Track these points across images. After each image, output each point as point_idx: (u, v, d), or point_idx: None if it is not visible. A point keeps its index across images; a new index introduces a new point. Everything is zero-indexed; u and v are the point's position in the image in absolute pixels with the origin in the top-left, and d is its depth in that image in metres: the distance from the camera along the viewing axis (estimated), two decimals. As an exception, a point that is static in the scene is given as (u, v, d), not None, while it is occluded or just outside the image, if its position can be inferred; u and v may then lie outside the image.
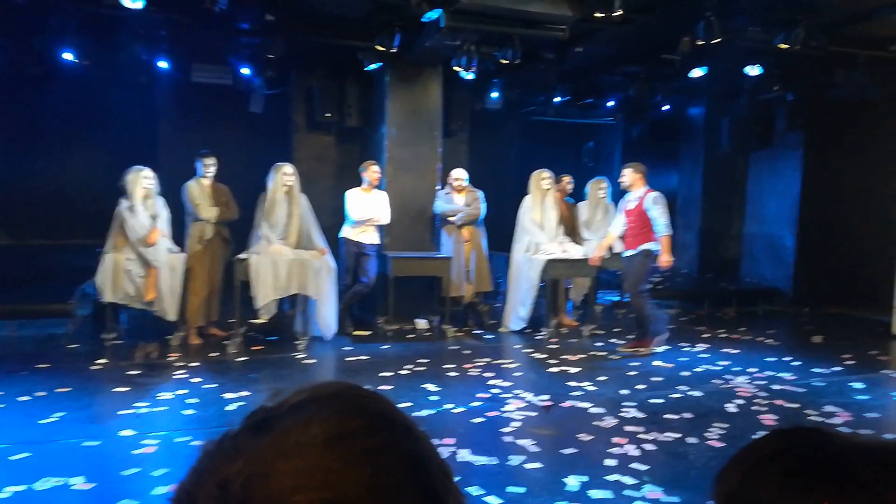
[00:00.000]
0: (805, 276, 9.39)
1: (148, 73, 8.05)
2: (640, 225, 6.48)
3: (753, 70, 8.08)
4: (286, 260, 6.26)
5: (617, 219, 6.84)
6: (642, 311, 6.52)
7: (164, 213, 6.35)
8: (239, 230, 6.78)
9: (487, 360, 6.15)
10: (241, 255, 6.32)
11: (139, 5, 5.83)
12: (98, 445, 3.91)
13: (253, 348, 6.40)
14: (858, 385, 5.52)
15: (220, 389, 5.06)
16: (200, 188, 6.58)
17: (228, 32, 7.50)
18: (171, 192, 6.55)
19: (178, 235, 6.60)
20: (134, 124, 9.04)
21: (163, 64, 7.91)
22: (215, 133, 8.94)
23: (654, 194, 6.49)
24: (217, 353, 6.19)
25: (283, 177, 6.48)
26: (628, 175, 6.60)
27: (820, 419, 4.67)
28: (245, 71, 8.05)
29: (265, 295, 6.18)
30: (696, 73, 8.28)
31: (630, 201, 6.59)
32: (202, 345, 6.48)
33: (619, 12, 5.76)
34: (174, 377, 5.41)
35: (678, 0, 6.39)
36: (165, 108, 9.26)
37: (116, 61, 7.50)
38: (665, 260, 6.41)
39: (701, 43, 6.58)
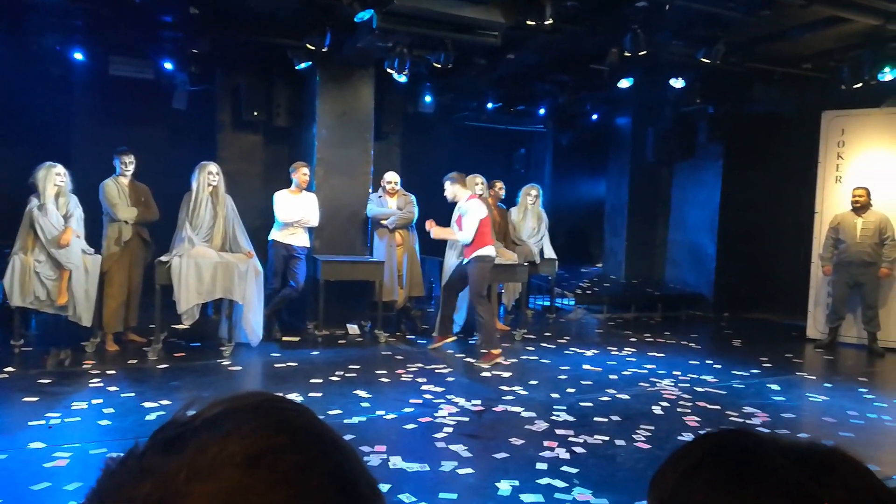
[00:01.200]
0: (725, 282, 9.79)
1: (62, 64, 7.63)
2: None
3: (677, 83, 8.38)
4: (210, 263, 6.03)
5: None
6: (482, 318, 6.37)
7: (77, 213, 6.01)
8: (160, 232, 6.49)
9: (420, 365, 6.11)
10: (163, 258, 6.05)
11: (53, -8, 5.51)
12: (5, 459, 3.66)
13: (175, 355, 6.13)
14: (775, 387, 5.78)
15: (139, 398, 4.81)
16: (118, 187, 6.27)
17: (150, 25, 7.20)
18: (87, 190, 6.21)
19: (95, 236, 6.26)
20: (46, 119, 8.52)
21: (78, 55, 7.50)
22: (135, 129, 8.55)
23: (470, 202, 6.46)
24: (136, 361, 5.89)
25: (208, 176, 6.25)
26: (447, 188, 6.57)
27: (740, 420, 4.84)
28: (168, 66, 7.74)
29: (188, 299, 5.94)
30: (624, 83, 8.51)
31: (457, 210, 6.59)
32: (120, 352, 6.16)
33: (550, 21, 5.85)
34: (89, 386, 5.11)
35: (606, 12, 6.54)
36: (81, 103, 8.80)
37: (28, 51, 7.07)
38: (432, 227, 6.53)
39: (628, 55, 6.77)
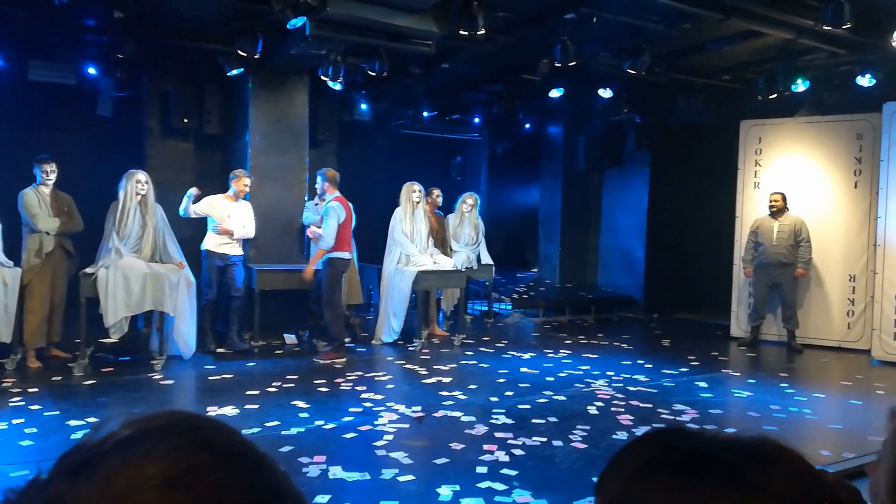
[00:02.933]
0: (654, 285, 10.13)
1: (-25, 68, 7.24)
2: None
3: (605, 93, 8.64)
4: (139, 274, 5.84)
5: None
6: (331, 320, 6.54)
7: (-6, 224, 5.72)
8: (85, 242, 6.24)
9: (359, 373, 6.07)
10: (88, 270, 5.82)
11: (-34, -7, 5.24)
12: (-87, 487, 3.42)
13: (103, 370, 5.89)
14: (703, 384, 6.01)
15: (65, 416, 4.61)
16: (39, 196, 6.00)
17: (72, 29, 6.93)
18: (3, 200, 5.91)
19: (14, 248, 5.96)
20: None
21: (-6, 59, 7.15)
22: (56, 137, 8.20)
23: (330, 205, 6.53)
24: (60, 377, 5.63)
25: (136, 185, 6.06)
26: (318, 183, 6.81)
27: (671, 417, 5.02)
28: (91, 71, 7.46)
29: (116, 312, 5.73)
30: (555, 93, 8.72)
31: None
32: (43, 368, 5.88)
33: (483, 31, 5.95)
34: (9, 405, 4.85)
35: (537, 24, 6.70)
36: (-3, 109, 8.37)
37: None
38: (306, 272, 6.62)
39: (558, 65, 6.95)
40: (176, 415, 0.48)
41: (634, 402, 5.32)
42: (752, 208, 8.23)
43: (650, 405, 5.28)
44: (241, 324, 6.89)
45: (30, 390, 5.23)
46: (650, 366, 6.69)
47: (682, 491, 0.54)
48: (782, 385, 6.07)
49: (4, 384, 5.37)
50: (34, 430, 4.33)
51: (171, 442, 0.44)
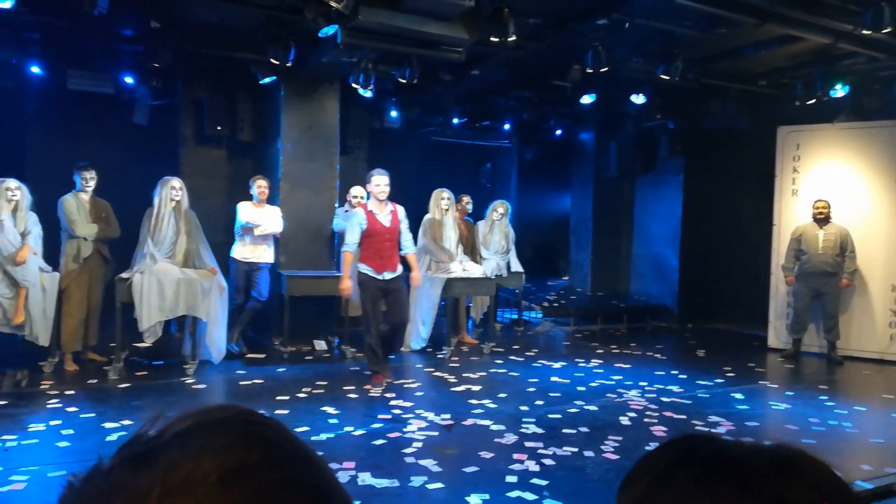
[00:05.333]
0: (688, 294, 9.97)
1: (17, 78, 7.45)
2: None
3: (638, 98, 8.55)
4: (173, 279, 5.92)
5: None
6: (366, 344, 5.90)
7: (36, 230, 5.85)
8: (120, 248, 6.35)
9: (388, 380, 6.06)
10: (124, 275, 5.92)
11: (7, 5, 5.39)
12: (-46, 485, 3.50)
13: (136, 374, 5.99)
14: (739, 396, 5.88)
15: (100, 419, 4.68)
16: (78, 203, 6.13)
17: (109, 38, 7.09)
18: (42, 206, 6.05)
19: (53, 253, 6.09)
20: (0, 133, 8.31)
21: (35, 69, 7.34)
22: (95, 145, 8.38)
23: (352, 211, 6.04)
24: (96, 380, 5.73)
25: (171, 191, 6.15)
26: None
27: (706, 429, 4.90)
28: (128, 80, 7.62)
29: (150, 317, 5.81)
30: (586, 99, 8.66)
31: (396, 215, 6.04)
32: (79, 371, 5.99)
33: (513, 38, 5.93)
34: (47, 406, 4.95)
35: (568, 29, 6.66)
36: (37, 117, 8.60)
37: (-19, 65, 6.90)
38: (342, 284, 5.82)
39: (589, 71, 6.90)
40: (229, 409, 0.50)
41: (668, 413, 5.22)
42: (790, 216, 8.05)
43: (684, 416, 5.17)
44: (264, 330, 6.94)
45: (67, 393, 5.33)
46: (684, 376, 6.57)
47: (702, 497, 0.54)
48: (822, 398, 5.91)
49: (42, 386, 5.48)
50: (71, 431, 4.41)
51: (226, 437, 0.46)
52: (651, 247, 10.59)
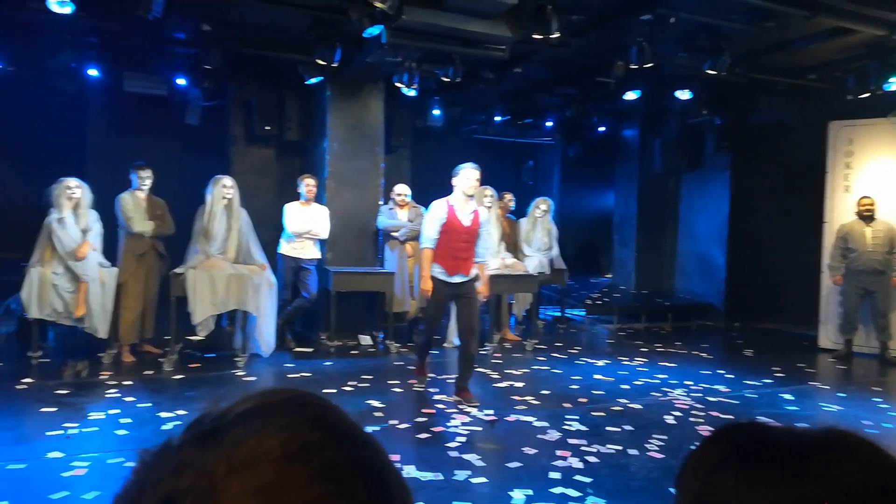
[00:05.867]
0: (735, 292, 9.79)
1: (77, 81, 7.75)
2: None
3: (683, 94, 8.43)
4: (224, 275, 6.10)
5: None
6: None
7: (96, 227, 6.11)
8: (175, 244, 6.57)
9: (432, 375, 6.12)
10: (178, 270, 6.13)
11: (67, 10, 5.62)
12: (24, 468, 3.71)
13: (190, 366, 6.19)
14: (788, 396, 5.77)
15: (156, 408, 4.87)
16: (135, 201, 6.36)
17: (163, 42, 7.31)
18: (101, 203, 6.30)
19: (112, 250, 6.34)
20: (61, 134, 8.67)
21: (93, 72, 7.63)
22: (149, 144, 8.67)
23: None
24: (152, 371, 5.96)
25: (223, 189, 6.34)
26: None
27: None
28: (181, 81, 7.86)
29: (203, 311, 6.01)
30: (630, 95, 8.57)
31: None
32: (136, 363, 6.23)
33: (556, 35, 5.92)
34: (106, 396, 5.17)
35: (611, 25, 6.61)
36: (95, 118, 8.94)
37: (43, 68, 7.19)
38: (423, 285, 5.38)
39: (634, 67, 6.84)
40: (289, 392, 0.52)
41: (714, 413, 5.16)
42: (841, 213, 7.85)
43: (731, 416, 5.11)
44: (311, 324, 7.07)
45: (124, 383, 5.55)
46: (731, 376, 6.48)
47: (754, 484, 0.56)
48: (875, 399, 5.76)
49: (101, 377, 5.72)
50: (128, 420, 4.60)
51: (288, 417, 0.48)
52: (697, 244, 10.43)
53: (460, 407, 5.15)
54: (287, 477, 0.44)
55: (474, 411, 5.03)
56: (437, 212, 5.26)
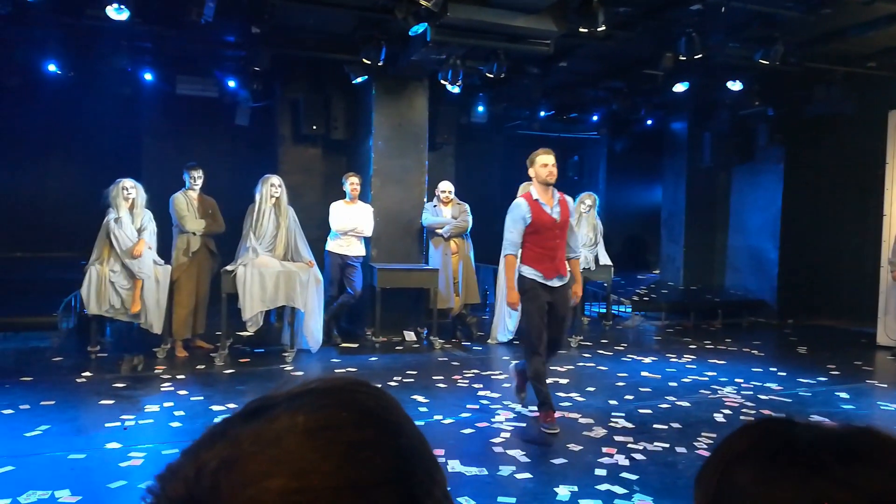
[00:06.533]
0: (788, 288, 9.51)
1: (132, 84, 8.02)
2: None
3: (734, 85, 8.22)
4: (273, 272, 6.23)
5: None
6: (527, 367, 4.71)
7: (151, 227, 6.32)
8: (225, 242, 6.74)
9: (476, 371, 6.15)
10: (228, 267, 6.28)
11: (124, 17, 5.82)
12: (84, 458, 3.86)
13: (240, 361, 6.35)
14: (844, 395, 5.59)
15: (208, 402, 5.01)
16: (188, 200, 6.55)
17: (214, 45, 7.51)
18: (156, 203, 6.51)
19: (165, 248, 6.55)
20: (118, 136, 8.99)
21: (147, 76, 7.89)
22: (201, 145, 8.91)
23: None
24: (204, 366, 6.13)
25: (271, 188, 6.47)
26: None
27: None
28: (231, 83, 8.05)
29: (252, 307, 6.15)
30: (679, 88, 8.41)
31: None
32: (189, 357, 6.41)
33: (603, 28, 5.85)
34: (161, 389, 5.35)
35: (659, 16, 6.50)
36: (150, 121, 9.23)
37: (100, 73, 7.47)
38: (512, 301, 4.65)
39: (682, 58, 6.70)
40: (347, 379, 0.55)
41: (766, 411, 5.04)
42: (902, 206, 7.55)
43: (783, 415, 4.96)
44: (357, 320, 7.14)
45: (178, 377, 5.73)
46: (784, 374, 6.30)
47: (771, 482, 0.55)
48: (937, 399, 5.53)
49: (156, 371, 5.91)
50: (182, 413, 4.74)
51: (327, 400, 0.51)
52: (748, 239, 10.16)
53: (505, 403, 5.14)
54: (305, 449, 0.46)
55: (519, 407, 5.02)
56: (518, 212, 4.59)
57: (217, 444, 0.48)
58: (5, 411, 4.62)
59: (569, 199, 4.78)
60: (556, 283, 4.57)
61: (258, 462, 0.45)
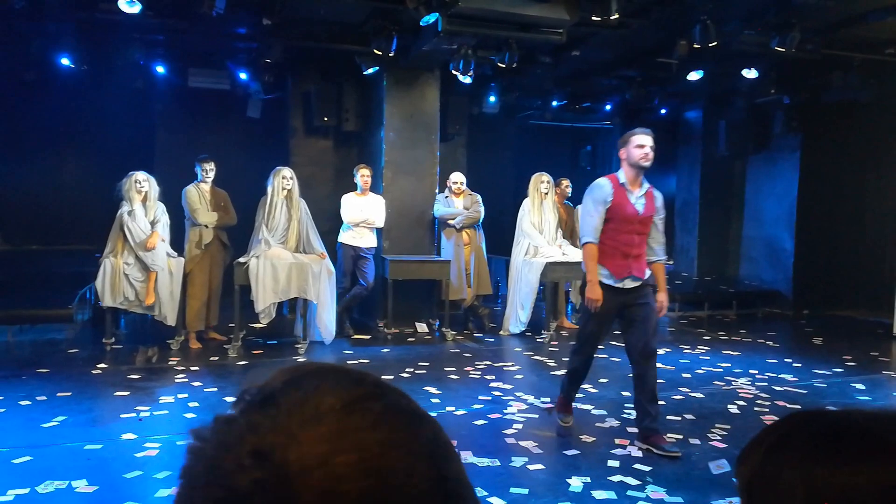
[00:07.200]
0: (804, 279, 9.41)
1: (145, 77, 8.05)
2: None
3: (750, 73, 8.12)
4: (285, 264, 6.25)
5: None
6: (569, 363, 4.43)
7: (164, 219, 6.36)
8: (238, 235, 6.77)
9: (488, 362, 6.15)
10: (241, 259, 6.31)
11: (136, 10, 5.84)
12: (100, 449, 3.90)
13: (253, 352, 6.38)
14: (860, 386, 5.54)
15: (221, 393, 5.05)
16: (200, 193, 6.57)
17: (225, 37, 7.50)
18: (169, 196, 6.54)
19: (178, 240, 6.58)
20: (131, 129, 9.02)
21: (160, 69, 7.91)
22: (213, 138, 8.93)
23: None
24: (217, 358, 6.17)
25: (282, 181, 6.48)
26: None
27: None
28: (242, 76, 8.06)
29: (265, 299, 6.17)
30: (693, 76, 8.32)
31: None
32: (202, 349, 6.45)
33: (616, 16, 5.79)
34: (175, 381, 5.39)
35: (673, 4, 6.42)
36: (162, 114, 9.26)
37: (113, 66, 7.49)
38: (594, 296, 4.00)
39: (697, 46, 6.62)
40: (319, 363, 0.57)
41: (781, 403, 5.00)
42: (920, 194, 7.43)
43: (798, 406, 4.93)
44: (369, 312, 7.15)
45: (192, 368, 5.77)
46: (799, 365, 6.25)
47: (822, 458, 0.55)
48: (956, 390, 5.47)
49: (170, 362, 5.96)
50: (196, 404, 4.78)
51: (335, 379, 0.53)
52: (764, 229, 10.06)
53: (517, 395, 5.13)
54: (351, 423, 0.49)
55: (531, 398, 5.01)
56: (599, 193, 4.03)
57: (261, 431, 0.48)
58: (23, 402, 4.68)
59: (658, 194, 4.17)
60: (628, 283, 4.00)
61: (312, 441, 0.47)
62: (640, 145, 4.00)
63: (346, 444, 0.47)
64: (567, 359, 4.35)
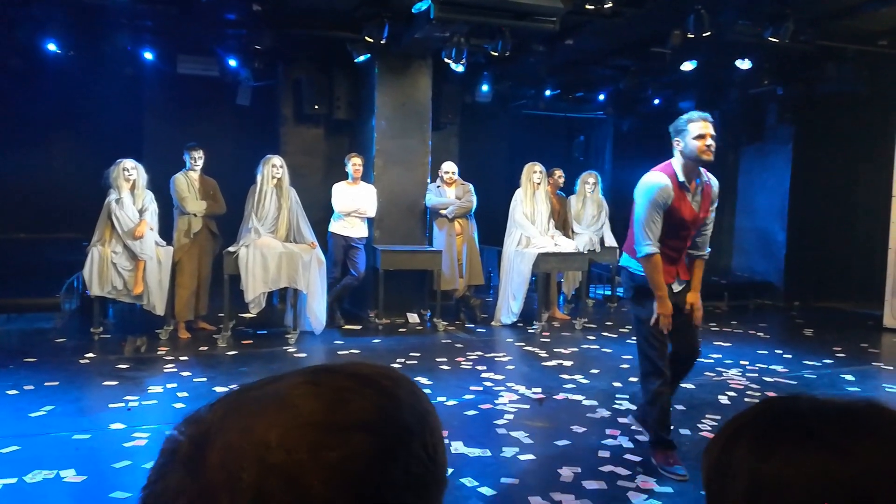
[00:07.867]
0: (796, 270, 9.44)
1: (133, 64, 7.95)
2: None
3: (744, 64, 8.10)
4: (276, 253, 6.20)
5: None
6: (643, 395, 3.76)
7: (152, 207, 6.30)
8: (227, 223, 6.71)
9: (479, 353, 6.13)
10: (231, 249, 6.25)
11: (124, -6, 5.75)
12: (88, 438, 3.87)
13: (243, 342, 6.34)
14: (849, 377, 5.56)
15: (211, 383, 5.01)
16: (188, 181, 6.50)
17: (215, 23, 7.41)
18: (157, 184, 6.47)
19: (166, 229, 6.52)
20: (119, 116, 8.91)
21: (148, 55, 7.80)
22: (202, 125, 8.85)
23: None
24: (206, 347, 6.13)
25: (272, 169, 6.42)
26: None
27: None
28: (232, 63, 7.96)
29: (255, 288, 6.13)
30: (687, 66, 8.29)
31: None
32: (191, 339, 6.41)
33: (610, 5, 5.75)
34: (164, 371, 5.35)
35: (668, -7, 6.38)
36: (151, 100, 9.16)
37: (101, 52, 7.40)
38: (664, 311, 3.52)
39: (691, 36, 6.59)
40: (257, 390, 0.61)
41: (770, 393, 5.00)
42: (912, 187, 7.45)
43: (792, 393, 4.94)
44: (360, 302, 7.12)
45: (181, 358, 5.73)
46: (789, 356, 6.27)
47: (767, 451, 0.56)
48: (945, 381, 5.49)
49: (159, 352, 5.91)
50: (185, 394, 4.74)
51: (296, 376, 0.59)
52: (756, 221, 10.07)
53: (508, 385, 5.12)
54: (301, 397, 0.55)
55: (522, 389, 5.00)
56: (661, 195, 3.48)
57: (190, 424, 0.55)
58: (10, 392, 4.63)
59: (714, 182, 3.70)
60: (675, 286, 3.63)
61: (227, 431, 0.52)
62: (701, 135, 3.42)
63: (281, 408, 0.54)
64: (640, 392, 3.78)
